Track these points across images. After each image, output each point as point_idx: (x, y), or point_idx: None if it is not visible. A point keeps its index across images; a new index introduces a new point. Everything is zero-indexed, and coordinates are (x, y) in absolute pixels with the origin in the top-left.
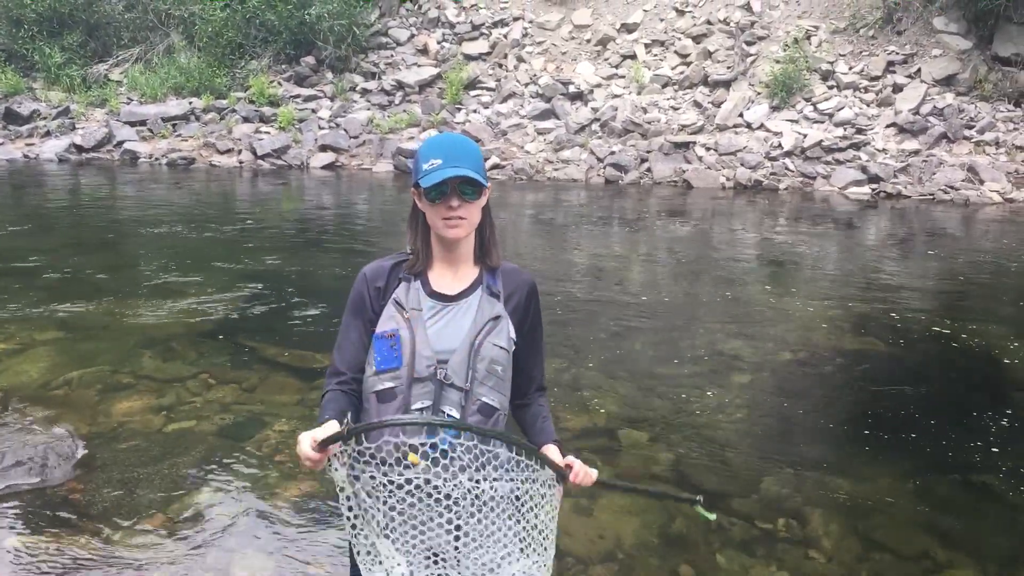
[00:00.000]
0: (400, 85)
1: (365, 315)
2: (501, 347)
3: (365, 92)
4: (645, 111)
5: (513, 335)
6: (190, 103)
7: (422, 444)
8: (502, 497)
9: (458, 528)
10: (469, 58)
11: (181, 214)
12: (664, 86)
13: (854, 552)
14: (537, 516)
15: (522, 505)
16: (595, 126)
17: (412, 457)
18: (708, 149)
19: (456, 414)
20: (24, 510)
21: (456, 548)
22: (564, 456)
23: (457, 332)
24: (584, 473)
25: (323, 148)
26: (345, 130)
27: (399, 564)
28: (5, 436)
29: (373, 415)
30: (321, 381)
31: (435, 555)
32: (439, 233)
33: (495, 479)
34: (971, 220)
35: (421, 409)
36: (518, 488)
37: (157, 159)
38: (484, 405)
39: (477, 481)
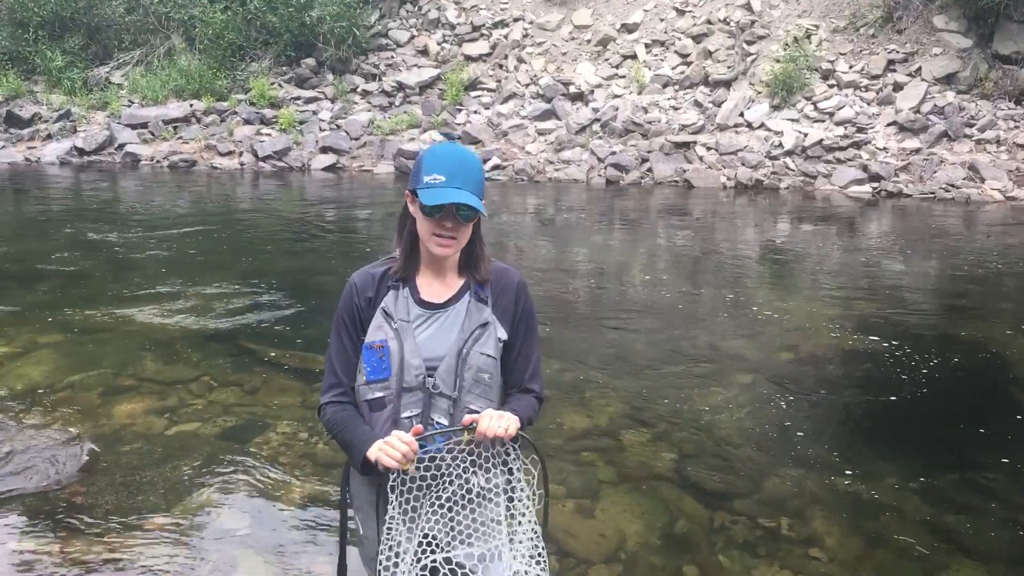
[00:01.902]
0: (400, 86)
1: (356, 325)
2: (488, 355)
3: (366, 93)
4: (646, 111)
5: (503, 335)
6: (191, 105)
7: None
8: (494, 490)
9: (452, 519)
10: (469, 59)
11: (182, 217)
12: (664, 86)
13: (857, 551)
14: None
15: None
16: (596, 126)
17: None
18: (709, 149)
19: (445, 422)
20: (28, 513)
21: (449, 535)
22: (522, 429)
23: (445, 340)
24: (494, 425)
25: (324, 150)
26: (346, 132)
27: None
28: (8, 439)
29: (365, 422)
30: (321, 384)
31: (430, 540)
32: (428, 247)
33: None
34: (972, 218)
35: (410, 417)
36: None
37: (158, 161)
38: (472, 412)
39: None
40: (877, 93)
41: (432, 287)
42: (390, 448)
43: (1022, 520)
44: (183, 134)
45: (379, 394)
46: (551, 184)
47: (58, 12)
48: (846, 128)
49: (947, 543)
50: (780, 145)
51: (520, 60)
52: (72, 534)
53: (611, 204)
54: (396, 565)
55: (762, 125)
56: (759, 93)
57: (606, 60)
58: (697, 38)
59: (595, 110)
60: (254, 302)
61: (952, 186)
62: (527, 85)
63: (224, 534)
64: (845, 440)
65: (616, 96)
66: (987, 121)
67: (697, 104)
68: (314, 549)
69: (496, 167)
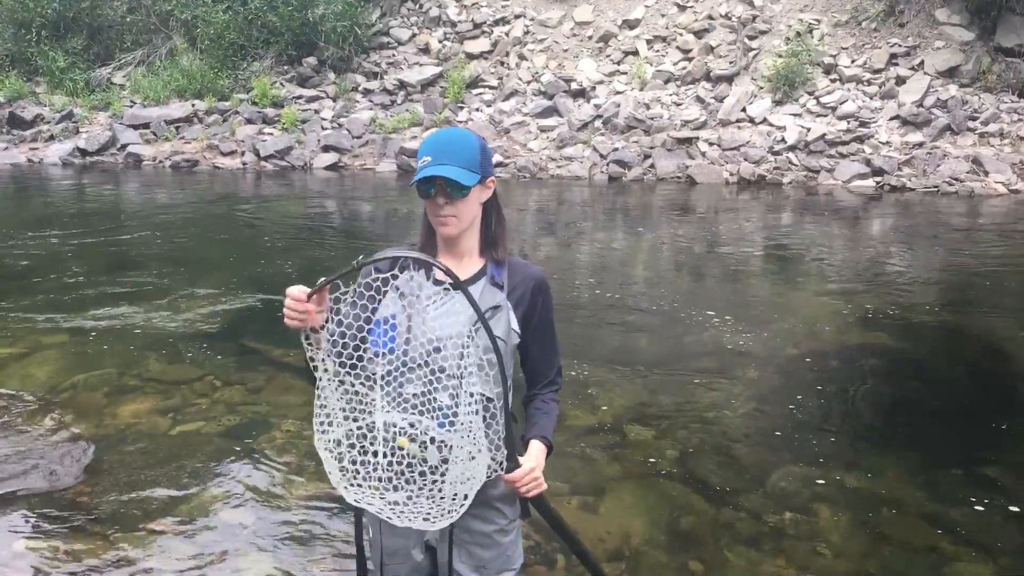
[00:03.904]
0: (402, 84)
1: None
2: (498, 337)
3: (367, 92)
4: (648, 107)
5: (515, 327)
6: (193, 105)
7: (410, 428)
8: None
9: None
10: (471, 56)
11: (185, 216)
12: (666, 82)
13: (862, 546)
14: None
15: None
16: (598, 123)
17: (401, 441)
18: (711, 144)
19: (449, 401)
20: (32, 514)
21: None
22: (548, 456)
23: (455, 320)
24: (528, 483)
25: (326, 148)
26: (348, 130)
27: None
28: (12, 440)
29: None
30: None
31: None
32: (434, 228)
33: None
34: (976, 212)
35: (414, 394)
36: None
37: (161, 162)
38: (478, 394)
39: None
40: (879, 87)
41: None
42: (286, 309)
43: None
44: (185, 134)
45: (384, 367)
46: (553, 181)
47: (61, 13)
48: (849, 122)
49: (953, 538)
50: (782, 140)
51: (521, 57)
52: (77, 534)
53: (614, 201)
54: (329, 425)
55: (764, 120)
56: (761, 88)
57: (608, 56)
58: (699, 34)
59: (597, 107)
60: (258, 301)
61: (955, 180)
62: (529, 82)
63: (229, 533)
64: (850, 435)
65: (618, 92)
66: (990, 114)
67: (699, 100)
68: (319, 548)
69: (498, 164)
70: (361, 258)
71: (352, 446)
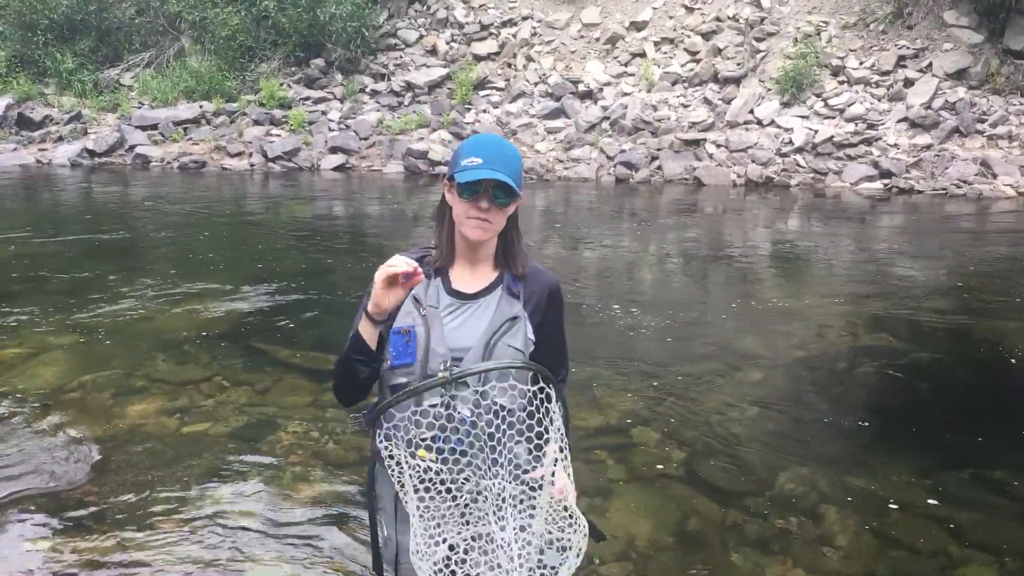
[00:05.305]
0: (409, 86)
1: None
2: (516, 349)
3: (374, 93)
4: (655, 109)
5: (531, 335)
6: (201, 107)
7: (431, 439)
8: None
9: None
10: (478, 58)
11: (193, 217)
12: (674, 84)
13: (870, 549)
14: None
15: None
16: (605, 125)
17: (422, 452)
18: (718, 146)
19: (468, 413)
20: (41, 513)
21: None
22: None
23: (473, 331)
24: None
25: (333, 150)
26: (355, 132)
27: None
28: (20, 440)
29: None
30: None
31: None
32: (462, 231)
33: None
34: (984, 214)
35: (434, 406)
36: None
37: (169, 163)
38: (497, 406)
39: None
40: (888, 89)
41: (464, 278)
42: (387, 267)
43: None
44: (193, 135)
45: (403, 380)
46: (561, 183)
47: (69, 15)
48: (856, 124)
49: (961, 540)
50: (790, 142)
51: (529, 59)
52: (84, 533)
53: (621, 202)
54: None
55: (772, 122)
56: (769, 90)
57: (615, 58)
58: (706, 35)
59: (604, 108)
60: (264, 302)
61: (964, 182)
62: (536, 84)
63: (235, 533)
64: (857, 438)
65: (625, 94)
66: (999, 116)
67: (707, 101)
68: (326, 548)
69: None
70: (448, 371)
71: (465, 556)
